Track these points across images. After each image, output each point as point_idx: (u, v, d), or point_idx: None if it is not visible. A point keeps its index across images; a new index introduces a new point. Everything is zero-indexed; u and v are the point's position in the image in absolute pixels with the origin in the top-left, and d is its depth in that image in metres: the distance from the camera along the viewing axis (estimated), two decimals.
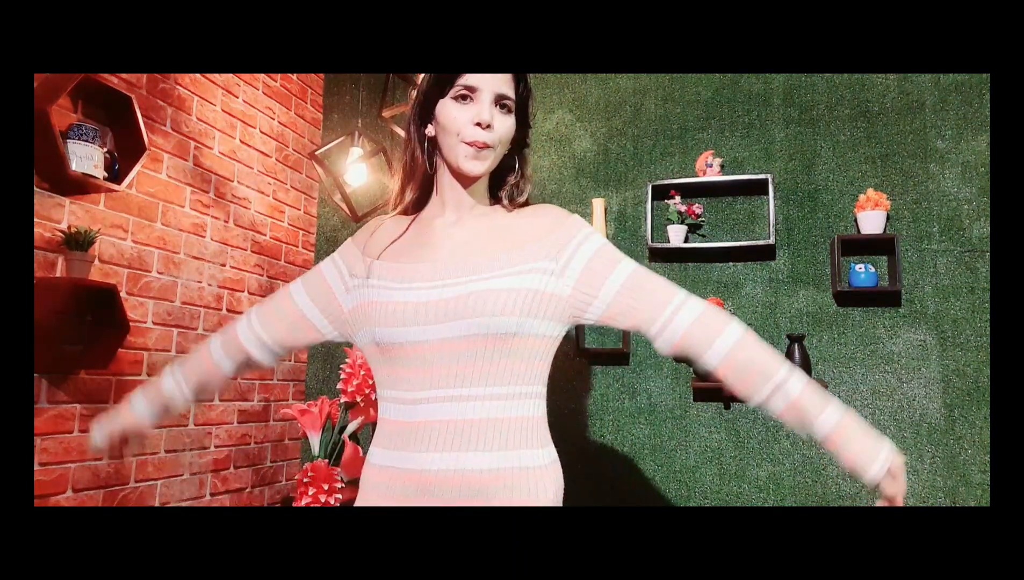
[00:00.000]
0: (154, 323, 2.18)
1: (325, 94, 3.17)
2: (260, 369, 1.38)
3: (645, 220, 2.58)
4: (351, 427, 2.44)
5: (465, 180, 1.09)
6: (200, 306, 2.37)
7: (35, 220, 1.79)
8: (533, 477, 0.99)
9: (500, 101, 1.04)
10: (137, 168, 2.02)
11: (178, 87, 2.31)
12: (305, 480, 2.21)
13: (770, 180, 2.42)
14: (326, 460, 2.32)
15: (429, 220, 1.12)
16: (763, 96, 2.58)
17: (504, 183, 1.15)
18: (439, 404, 0.99)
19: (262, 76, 2.75)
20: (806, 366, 2.28)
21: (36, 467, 1.78)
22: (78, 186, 1.88)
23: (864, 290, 2.30)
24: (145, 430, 1.24)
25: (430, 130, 1.08)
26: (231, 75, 2.56)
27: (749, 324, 2.48)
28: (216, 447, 2.43)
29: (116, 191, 1.96)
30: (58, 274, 1.84)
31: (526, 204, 1.14)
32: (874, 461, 0.98)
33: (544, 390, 1.06)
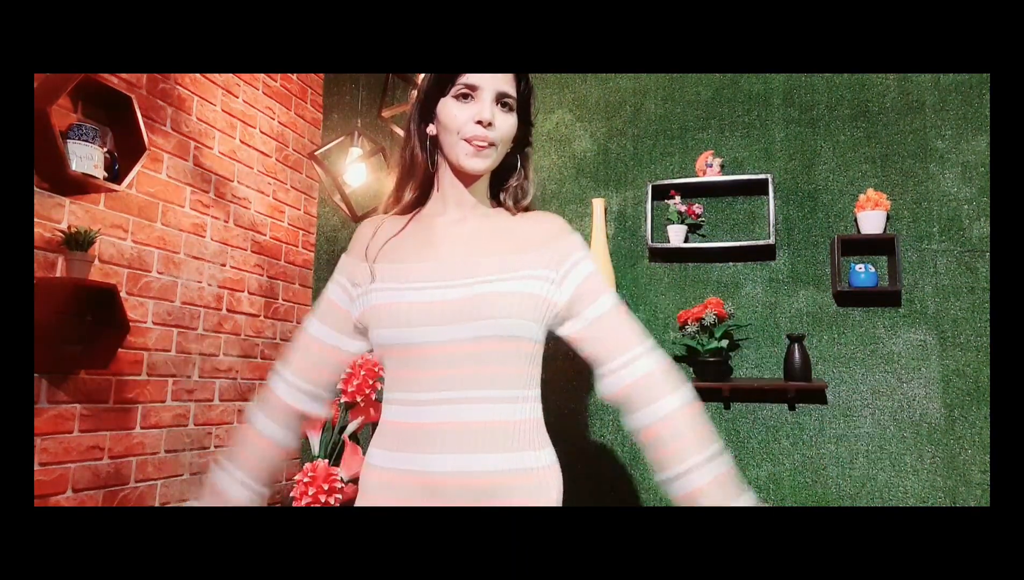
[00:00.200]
0: (154, 323, 2.18)
1: (325, 94, 3.17)
2: (316, 418, 1.36)
3: (645, 220, 2.58)
4: (351, 427, 2.43)
5: (466, 178, 1.09)
6: (200, 306, 2.37)
7: (35, 220, 1.79)
8: (536, 478, 1.01)
9: (501, 99, 1.04)
10: (137, 168, 2.02)
11: (178, 87, 2.31)
12: (305, 480, 2.21)
13: (770, 180, 2.42)
14: (326, 460, 2.32)
15: (430, 218, 1.12)
16: (763, 96, 2.58)
17: (507, 185, 1.16)
18: (447, 406, 0.98)
19: (262, 76, 2.75)
20: (806, 366, 2.28)
21: (36, 467, 1.78)
22: (78, 186, 1.88)
23: (864, 290, 2.30)
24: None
25: (431, 129, 1.08)
26: (231, 75, 2.56)
27: (749, 324, 2.50)
28: (216, 447, 2.43)
29: (116, 191, 1.96)
30: (58, 274, 1.84)
31: (528, 208, 1.15)
32: None
33: (539, 393, 1.08)
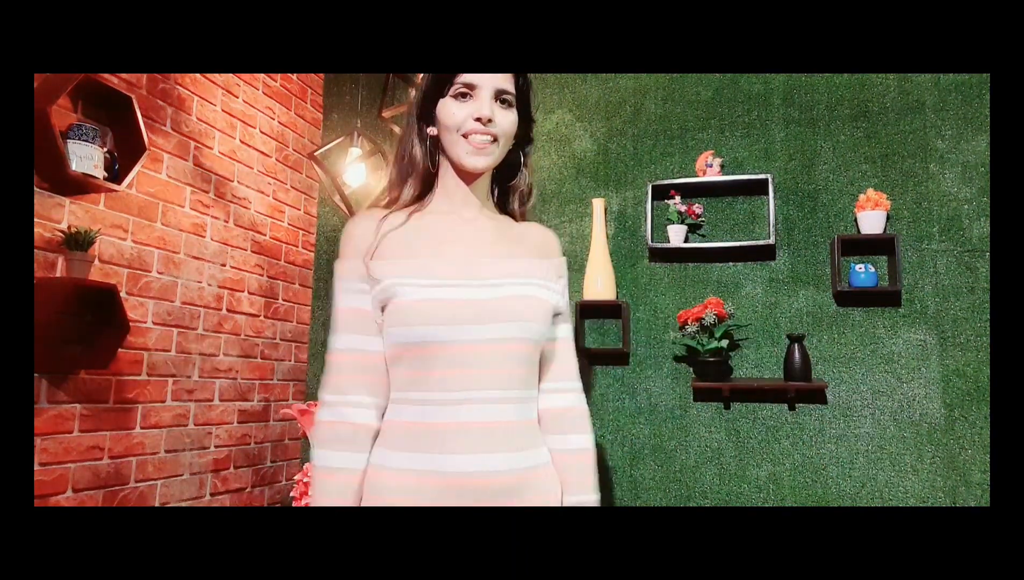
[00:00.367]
0: (154, 323, 2.18)
1: (325, 94, 3.17)
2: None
3: (645, 220, 2.58)
4: None
5: (468, 177, 1.09)
6: (200, 306, 2.37)
7: (35, 220, 1.79)
8: (544, 474, 1.06)
9: (500, 96, 1.05)
10: (137, 168, 2.02)
11: (178, 87, 2.31)
12: (305, 480, 2.21)
13: (770, 180, 2.42)
14: None
15: (440, 215, 1.10)
16: (763, 96, 2.58)
17: (512, 185, 1.17)
18: (469, 406, 0.99)
19: (262, 76, 2.75)
20: (806, 366, 2.28)
21: (36, 467, 1.78)
22: (78, 186, 1.88)
23: (864, 290, 2.30)
24: None
25: (432, 130, 1.08)
26: (231, 75, 2.56)
27: (749, 324, 2.50)
28: (216, 447, 2.43)
29: (116, 191, 1.96)
30: (58, 274, 1.84)
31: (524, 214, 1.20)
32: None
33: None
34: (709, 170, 2.51)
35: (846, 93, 2.50)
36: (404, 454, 0.99)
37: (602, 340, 2.64)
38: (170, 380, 2.24)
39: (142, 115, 2.05)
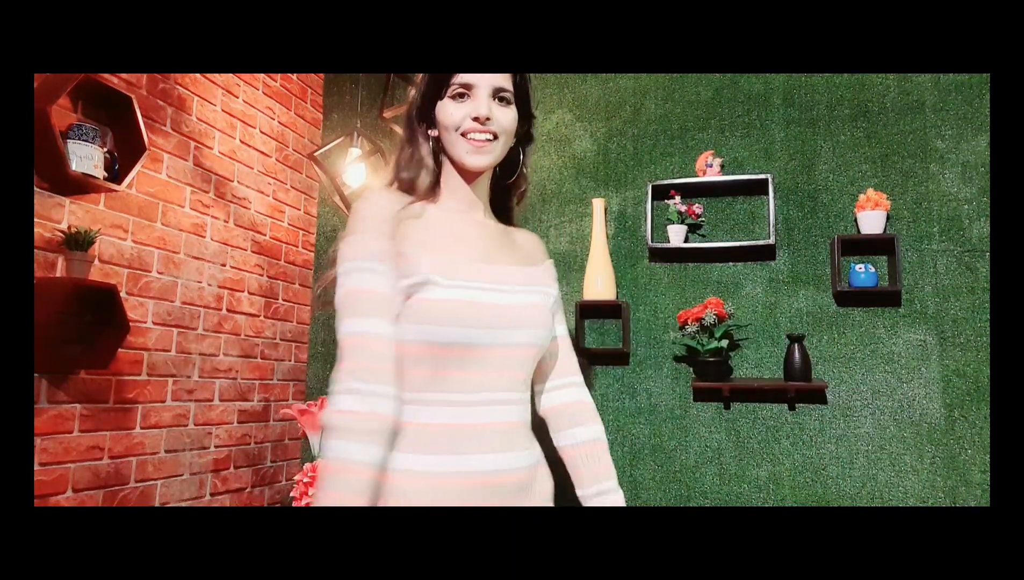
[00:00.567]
0: (154, 323, 2.18)
1: (325, 94, 3.17)
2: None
3: (645, 220, 2.58)
4: None
5: (470, 175, 1.09)
6: (200, 306, 2.37)
7: (35, 220, 1.79)
8: (543, 470, 1.11)
9: (498, 94, 1.05)
10: (137, 168, 2.02)
11: (178, 87, 2.31)
12: (305, 480, 2.21)
13: (770, 180, 2.42)
14: None
15: (450, 212, 1.09)
16: (763, 96, 2.58)
17: (513, 184, 1.18)
18: (487, 407, 1.01)
19: (262, 76, 2.75)
20: (806, 366, 2.28)
21: (36, 467, 1.78)
22: (78, 186, 1.88)
23: (864, 290, 2.30)
24: None
25: (432, 132, 1.09)
26: (231, 75, 2.56)
27: (749, 324, 2.50)
28: (216, 447, 2.43)
29: (116, 191, 1.96)
30: (58, 274, 1.84)
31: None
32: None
33: None
34: (709, 170, 2.51)
35: (846, 93, 2.50)
36: (425, 456, 0.97)
37: (602, 340, 2.64)
38: (170, 380, 2.24)
39: (142, 115, 2.05)
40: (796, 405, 2.40)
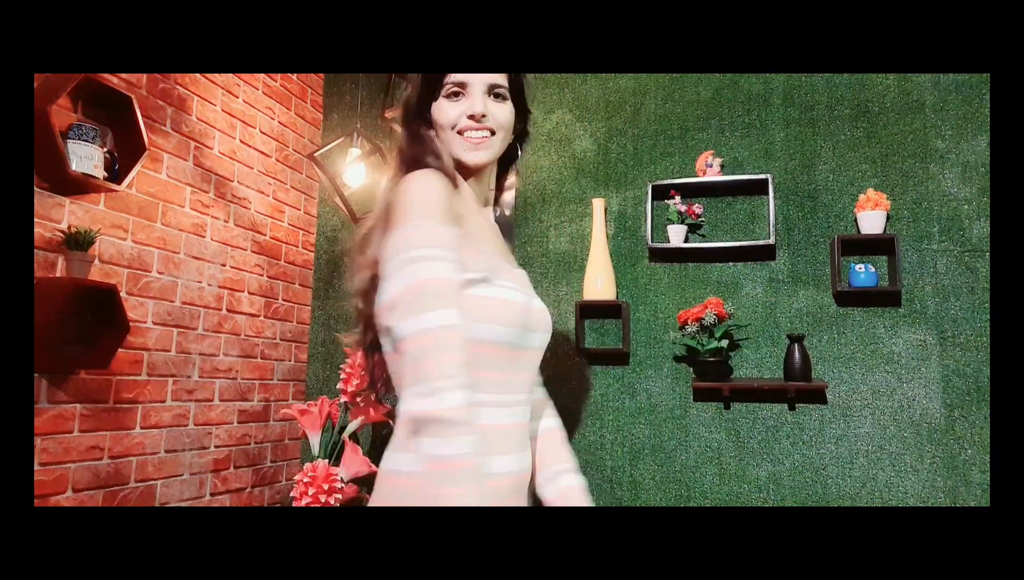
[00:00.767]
0: (154, 323, 2.18)
1: (325, 94, 3.17)
2: None
3: (645, 220, 2.58)
4: (351, 427, 2.44)
5: (469, 172, 1.09)
6: (200, 306, 2.37)
7: (35, 220, 1.79)
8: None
9: (493, 91, 1.05)
10: (137, 168, 2.02)
11: (178, 87, 2.31)
12: (305, 480, 2.21)
13: (770, 180, 2.42)
14: (326, 460, 2.33)
15: (473, 212, 1.09)
16: (763, 96, 2.58)
17: (506, 181, 1.19)
18: (518, 409, 1.03)
19: (262, 76, 2.75)
20: (806, 366, 2.28)
21: (36, 467, 1.78)
22: (78, 186, 1.88)
23: (864, 290, 2.30)
24: None
25: (431, 133, 1.09)
26: (231, 75, 2.56)
27: (749, 324, 2.51)
28: (216, 447, 2.43)
29: (116, 191, 1.96)
30: (58, 274, 1.84)
31: None
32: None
33: None
34: (709, 170, 2.51)
35: (846, 93, 2.50)
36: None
37: (602, 340, 2.64)
38: (170, 380, 2.24)
39: (142, 115, 2.05)
40: (796, 405, 2.40)
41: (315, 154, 2.55)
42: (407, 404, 0.87)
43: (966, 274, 2.30)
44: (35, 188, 1.80)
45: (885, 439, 2.30)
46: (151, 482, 2.15)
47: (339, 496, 2.20)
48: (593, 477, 2.51)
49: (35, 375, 1.79)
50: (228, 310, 2.51)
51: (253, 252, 2.65)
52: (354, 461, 2.29)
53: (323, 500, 2.16)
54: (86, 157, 1.84)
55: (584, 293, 2.54)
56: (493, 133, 1.05)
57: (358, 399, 2.42)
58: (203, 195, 2.40)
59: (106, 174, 1.93)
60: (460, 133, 1.04)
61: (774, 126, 2.56)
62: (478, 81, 1.03)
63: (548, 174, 2.79)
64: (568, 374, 2.63)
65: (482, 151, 1.04)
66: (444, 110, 1.04)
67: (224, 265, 2.49)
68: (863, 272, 2.29)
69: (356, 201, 2.73)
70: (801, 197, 2.50)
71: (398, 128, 1.15)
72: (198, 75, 2.39)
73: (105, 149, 1.94)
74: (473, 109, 1.02)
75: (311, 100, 3.08)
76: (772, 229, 2.41)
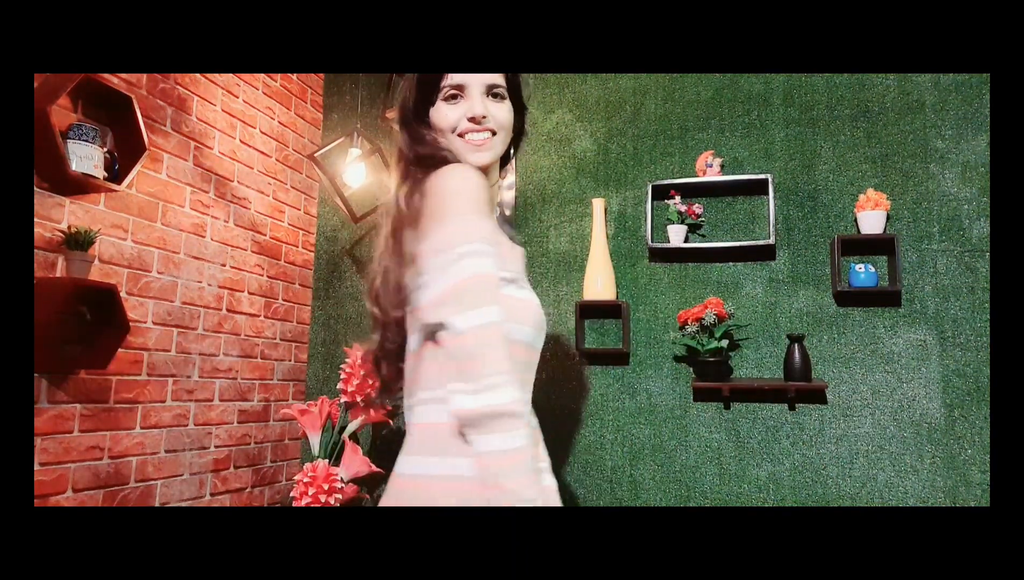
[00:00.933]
0: (154, 323, 2.18)
1: (325, 94, 3.17)
2: None
3: (645, 220, 2.58)
4: (351, 427, 2.44)
5: None
6: (200, 306, 2.37)
7: (35, 220, 1.79)
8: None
9: (491, 91, 1.05)
10: (137, 168, 2.02)
11: (178, 87, 2.31)
12: (305, 480, 2.21)
13: (770, 180, 2.42)
14: (326, 460, 2.33)
15: None
16: (763, 96, 2.58)
17: (501, 179, 1.19)
18: (528, 409, 1.02)
19: (262, 76, 2.75)
20: (806, 366, 2.28)
21: (36, 467, 1.78)
22: (78, 186, 1.88)
23: (864, 290, 2.30)
24: None
25: (431, 135, 1.08)
26: (231, 75, 2.56)
27: (749, 324, 2.50)
28: (216, 447, 2.43)
29: (116, 191, 1.96)
30: (58, 274, 1.84)
31: None
32: None
33: None
34: (709, 170, 2.51)
35: (846, 93, 2.50)
36: (453, 459, 0.95)
37: (602, 340, 2.64)
38: (170, 380, 2.24)
39: (142, 115, 2.04)
40: (796, 405, 2.40)
41: (315, 154, 2.55)
42: (460, 403, 0.86)
43: (966, 274, 2.30)
44: (35, 188, 1.80)
45: (885, 439, 2.30)
46: (151, 482, 2.15)
47: (339, 496, 2.20)
48: (593, 477, 2.52)
49: (35, 375, 1.79)
50: (228, 310, 2.51)
51: (253, 252, 2.65)
52: (354, 461, 2.29)
53: (323, 500, 2.16)
54: (86, 157, 1.84)
55: (584, 293, 2.54)
56: (494, 133, 1.05)
57: (358, 399, 2.42)
58: (203, 195, 2.40)
59: (106, 174, 1.93)
60: (461, 136, 1.03)
61: (774, 126, 2.56)
62: (476, 82, 1.03)
63: (548, 174, 2.79)
64: (568, 374, 2.63)
65: (485, 152, 1.04)
66: (444, 114, 1.04)
67: (224, 265, 2.49)
68: (863, 272, 2.29)
69: (356, 201, 2.73)
70: (801, 197, 2.50)
71: (398, 128, 1.14)
72: (198, 75, 2.39)
73: (105, 149, 1.94)
74: (473, 111, 1.02)
75: (311, 100, 3.08)
76: (772, 229, 2.41)
